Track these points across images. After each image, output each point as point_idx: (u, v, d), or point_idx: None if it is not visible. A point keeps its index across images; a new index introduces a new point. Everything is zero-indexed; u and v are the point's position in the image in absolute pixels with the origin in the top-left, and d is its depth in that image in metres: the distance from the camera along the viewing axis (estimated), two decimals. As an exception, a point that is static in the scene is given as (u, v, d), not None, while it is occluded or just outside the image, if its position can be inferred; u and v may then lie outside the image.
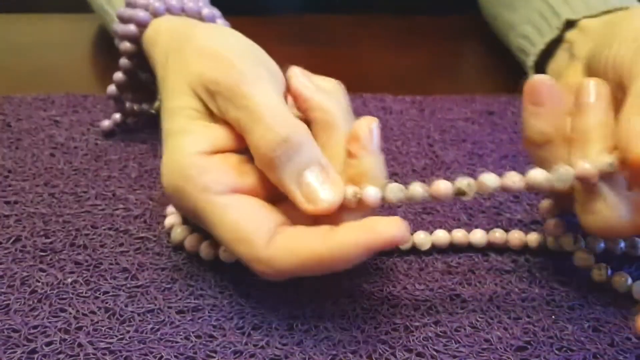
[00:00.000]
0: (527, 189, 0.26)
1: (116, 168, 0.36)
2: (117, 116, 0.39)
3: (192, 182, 0.26)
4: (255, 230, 0.25)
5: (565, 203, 0.29)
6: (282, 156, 0.25)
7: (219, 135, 0.27)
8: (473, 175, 0.36)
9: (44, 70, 0.48)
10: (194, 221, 0.29)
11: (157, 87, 0.39)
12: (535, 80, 0.27)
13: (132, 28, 0.36)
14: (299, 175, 0.26)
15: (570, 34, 0.38)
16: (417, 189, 0.26)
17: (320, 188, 0.26)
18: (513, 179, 0.26)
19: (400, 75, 0.49)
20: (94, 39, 0.53)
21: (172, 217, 0.31)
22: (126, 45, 0.37)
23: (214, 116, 0.28)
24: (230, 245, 0.26)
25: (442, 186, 0.26)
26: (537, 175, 0.26)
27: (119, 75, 0.38)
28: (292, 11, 0.59)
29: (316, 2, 0.61)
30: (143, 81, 0.39)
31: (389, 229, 0.24)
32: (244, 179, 0.27)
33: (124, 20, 0.37)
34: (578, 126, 0.27)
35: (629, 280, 0.29)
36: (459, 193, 0.26)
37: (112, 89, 0.39)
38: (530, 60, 0.41)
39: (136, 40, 0.36)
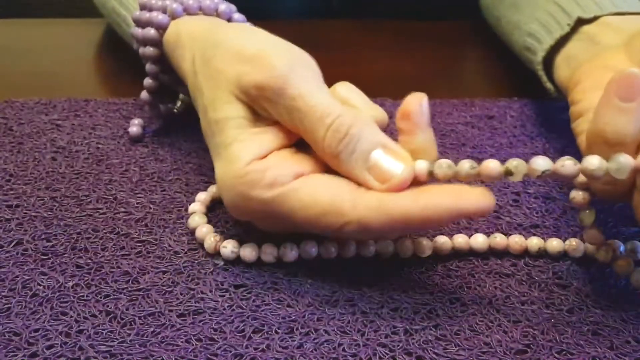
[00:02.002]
0: (581, 175, 0.25)
1: (117, 172, 0.36)
2: (137, 121, 0.40)
3: (256, 185, 0.27)
4: (336, 198, 0.26)
5: (607, 195, 0.27)
6: (345, 150, 0.26)
7: (269, 138, 0.28)
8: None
9: (46, 75, 0.48)
10: (264, 227, 0.29)
11: (178, 87, 0.40)
12: (630, 72, 0.25)
13: (152, 32, 0.36)
14: (365, 161, 0.26)
15: (589, 28, 0.37)
16: (465, 166, 0.26)
17: (390, 165, 0.26)
18: (564, 162, 0.25)
19: (400, 80, 0.49)
20: (96, 44, 0.53)
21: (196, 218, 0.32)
22: (150, 50, 0.37)
23: (261, 118, 0.28)
24: (317, 222, 0.26)
25: (492, 165, 0.25)
26: (593, 161, 0.25)
27: (148, 81, 0.39)
28: (293, 16, 0.60)
29: (317, 8, 0.61)
30: (164, 83, 0.39)
31: (479, 198, 0.25)
32: (303, 164, 0.28)
33: (141, 23, 0.37)
34: None
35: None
36: (507, 173, 0.25)
37: (145, 95, 0.39)
38: (539, 57, 0.40)
39: (157, 43, 0.36)
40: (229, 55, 0.29)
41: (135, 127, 0.39)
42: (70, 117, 0.42)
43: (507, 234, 0.32)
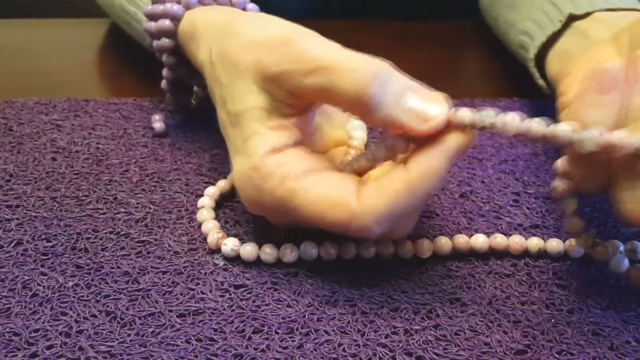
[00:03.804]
0: (561, 163, 0.26)
1: (117, 172, 0.36)
2: (157, 117, 0.40)
3: (270, 178, 0.27)
4: (343, 193, 0.26)
5: (586, 184, 0.28)
6: (377, 92, 0.26)
7: (286, 134, 0.28)
8: (473, 178, 0.37)
9: (46, 75, 0.48)
10: (276, 221, 0.30)
11: (193, 80, 0.39)
12: (604, 68, 0.26)
13: (167, 23, 0.36)
14: (397, 105, 0.26)
15: (581, 23, 0.38)
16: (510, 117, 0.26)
17: (426, 107, 0.26)
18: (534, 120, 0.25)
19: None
20: (96, 44, 0.53)
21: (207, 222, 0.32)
22: (165, 42, 0.37)
23: (282, 108, 0.28)
24: (325, 218, 0.26)
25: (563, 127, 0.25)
26: (562, 127, 0.25)
27: (166, 72, 0.39)
28: (293, 16, 0.60)
29: (316, 8, 0.61)
30: (180, 76, 0.39)
31: (461, 139, 0.26)
32: (315, 162, 0.28)
33: (155, 16, 0.37)
34: (636, 104, 0.25)
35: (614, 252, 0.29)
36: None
37: (164, 84, 0.39)
38: (531, 53, 0.40)
39: (172, 35, 0.36)
40: (247, 44, 0.29)
41: (158, 122, 0.40)
42: (70, 118, 0.42)
43: (507, 235, 0.32)
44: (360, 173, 0.29)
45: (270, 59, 0.27)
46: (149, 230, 0.32)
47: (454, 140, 0.26)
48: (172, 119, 0.42)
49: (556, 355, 0.26)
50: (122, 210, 0.33)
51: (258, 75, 0.28)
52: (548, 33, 0.39)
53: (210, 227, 0.31)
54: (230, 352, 0.26)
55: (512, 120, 0.26)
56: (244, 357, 0.26)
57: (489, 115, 0.26)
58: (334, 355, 0.26)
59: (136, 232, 0.32)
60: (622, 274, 0.29)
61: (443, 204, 0.35)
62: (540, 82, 0.40)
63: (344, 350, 0.26)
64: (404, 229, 0.29)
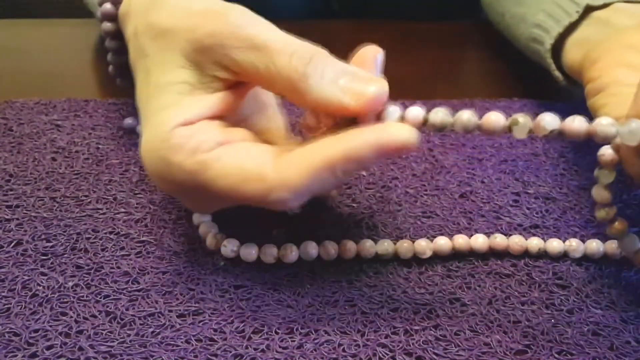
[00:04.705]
0: (588, 137, 0.24)
1: (117, 172, 0.36)
2: (129, 120, 0.40)
3: (180, 150, 0.25)
4: (258, 164, 0.25)
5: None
6: (312, 72, 0.25)
7: (202, 105, 0.27)
8: (473, 178, 0.37)
9: (46, 75, 0.48)
10: (187, 198, 0.28)
11: None
12: None
13: (108, 6, 0.36)
14: (333, 84, 0.25)
15: (600, 13, 0.37)
16: (464, 116, 0.25)
17: (362, 85, 0.25)
18: (575, 119, 0.24)
19: (401, 81, 0.49)
20: (96, 44, 0.53)
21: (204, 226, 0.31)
22: (106, 26, 0.36)
23: (209, 82, 0.27)
24: (239, 191, 0.25)
25: (493, 117, 0.25)
26: (604, 121, 0.24)
27: (110, 57, 0.38)
28: (293, 16, 0.60)
29: (317, 8, 0.61)
30: (126, 60, 0.39)
31: (401, 132, 0.24)
32: (232, 134, 0.26)
33: (102, 1, 0.36)
34: None
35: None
36: (513, 124, 0.25)
37: (111, 70, 0.39)
38: (547, 44, 0.40)
39: (113, 18, 0.35)
40: (181, 11, 0.28)
41: (129, 119, 0.39)
42: (70, 118, 0.42)
43: (507, 235, 0.32)
44: (308, 130, 0.27)
45: (204, 29, 0.26)
46: (148, 231, 0.32)
47: (388, 130, 0.24)
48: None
49: (556, 355, 0.26)
50: (122, 210, 0.33)
51: (189, 44, 0.27)
52: (565, 24, 0.38)
53: (208, 229, 0.31)
54: (230, 352, 0.26)
55: (469, 120, 0.25)
56: (244, 357, 0.26)
57: (441, 115, 0.25)
58: (334, 356, 0.26)
59: (136, 232, 0.32)
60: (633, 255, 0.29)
61: (443, 204, 0.35)
62: (556, 73, 0.40)
63: (343, 350, 0.26)
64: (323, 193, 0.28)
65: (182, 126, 0.26)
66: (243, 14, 0.27)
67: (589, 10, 0.38)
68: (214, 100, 0.27)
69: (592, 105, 0.32)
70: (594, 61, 0.33)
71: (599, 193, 0.27)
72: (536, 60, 0.43)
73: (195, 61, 0.27)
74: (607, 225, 0.28)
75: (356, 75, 0.26)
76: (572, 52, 0.38)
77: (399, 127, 0.25)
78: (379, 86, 0.25)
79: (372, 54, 0.27)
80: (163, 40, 0.28)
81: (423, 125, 0.26)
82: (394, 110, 0.26)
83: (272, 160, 0.25)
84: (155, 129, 0.26)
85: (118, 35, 0.36)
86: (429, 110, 0.26)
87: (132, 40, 0.30)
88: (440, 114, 0.26)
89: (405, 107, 0.26)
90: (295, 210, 0.32)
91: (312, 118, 0.27)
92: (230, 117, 0.28)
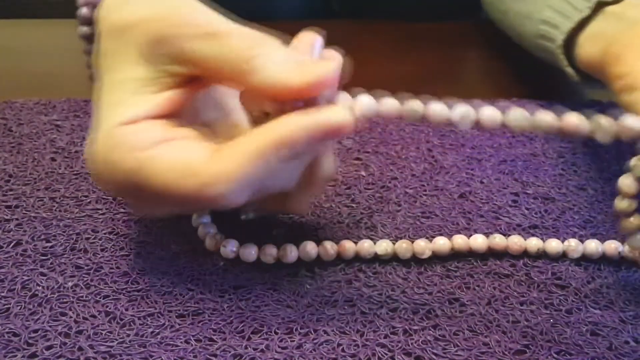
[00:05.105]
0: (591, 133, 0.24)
1: (117, 172, 0.36)
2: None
3: (118, 148, 0.25)
4: (192, 159, 0.24)
5: None
6: (263, 51, 0.25)
7: (153, 103, 0.26)
8: (472, 179, 0.37)
9: (45, 76, 0.48)
10: (130, 199, 0.28)
11: None
12: None
13: (84, 11, 0.36)
14: (281, 64, 0.25)
15: (612, 7, 0.37)
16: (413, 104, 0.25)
17: (307, 66, 0.25)
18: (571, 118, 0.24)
19: (400, 81, 0.49)
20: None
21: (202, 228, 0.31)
22: (82, 30, 0.37)
23: (162, 77, 0.26)
24: (174, 190, 0.24)
25: (437, 107, 0.25)
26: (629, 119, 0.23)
27: (87, 61, 0.38)
28: (293, 17, 0.60)
29: (317, 8, 0.61)
30: None
31: (335, 115, 0.24)
32: (174, 132, 0.26)
33: (80, 4, 0.37)
34: None
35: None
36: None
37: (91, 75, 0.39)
38: (559, 40, 0.39)
39: (89, 22, 0.35)
40: (138, 7, 0.27)
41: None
42: (70, 118, 0.42)
43: (506, 235, 0.32)
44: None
45: (157, 21, 0.26)
46: (148, 231, 0.32)
47: (321, 113, 0.24)
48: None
49: (555, 355, 0.26)
50: (122, 210, 0.33)
51: (144, 37, 0.26)
52: (576, 19, 0.38)
53: (207, 230, 0.31)
54: (230, 352, 0.26)
55: (437, 110, 0.25)
56: (243, 357, 0.26)
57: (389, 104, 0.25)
58: (333, 356, 0.26)
59: (135, 233, 0.32)
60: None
61: (442, 204, 0.35)
62: (569, 69, 0.40)
63: (343, 350, 0.26)
64: (277, 202, 0.28)
65: (124, 125, 0.25)
66: (194, 6, 0.27)
67: (600, 5, 0.37)
68: (161, 99, 0.26)
69: (628, 102, 0.31)
70: (616, 57, 0.33)
71: (628, 184, 0.27)
72: (545, 57, 0.42)
73: (149, 55, 0.26)
74: (622, 218, 0.28)
75: (305, 58, 0.26)
76: (587, 47, 0.37)
77: (333, 109, 0.25)
78: (326, 67, 0.25)
79: (310, 40, 0.27)
80: (121, 37, 0.27)
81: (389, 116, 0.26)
82: (344, 97, 0.26)
83: (208, 155, 0.25)
84: (101, 128, 0.26)
85: (94, 38, 0.36)
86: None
87: (95, 43, 0.30)
88: (391, 104, 0.25)
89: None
90: (248, 215, 0.32)
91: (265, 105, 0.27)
92: (189, 120, 0.27)
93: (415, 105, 0.25)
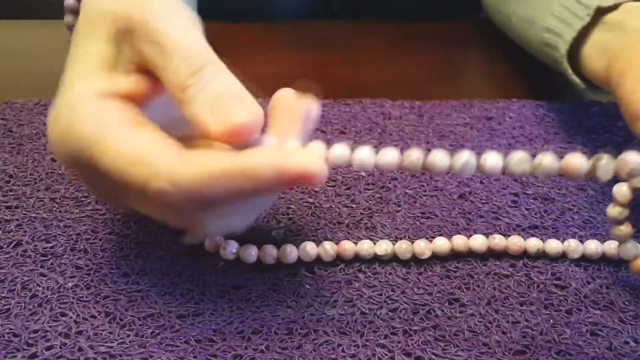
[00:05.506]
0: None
1: (117, 173, 0.36)
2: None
3: (85, 118, 0.24)
4: (156, 151, 0.24)
5: None
6: (198, 81, 0.24)
7: (121, 81, 0.26)
8: (472, 179, 0.37)
9: (46, 76, 0.48)
10: (83, 176, 0.27)
11: None
12: None
13: (71, 2, 0.36)
14: (208, 101, 0.24)
15: (612, 16, 0.37)
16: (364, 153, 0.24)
17: (236, 110, 0.24)
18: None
19: (399, 81, 0.49)
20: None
21: None
22: (68, 19, 0.36)
23: (125, 65, 0.26)
24: (125, 173, 0.24)
25: (438, 157, 0.24)
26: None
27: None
28: (293, 17, 0.60)
29: (316, 9, 0.61)
30: None
31: (305, 160, 0.23)
32: (143, 122, 0.25)
33: None
34: None
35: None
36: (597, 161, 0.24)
37: None
38: (562, 50, 0.39)
39: (76, 12, 0.35)
40: None
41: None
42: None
43: (506, 235, 0.32)
44: None
45: (124, 14, 0.26)
46: (148, 231, 0.32)
47: (293, 154, 0.23)
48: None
49: (555, 355, 0.26)
50: (121, 211, 0.33)
51: (112, 25, 0.26)
52: (577, 28, 0.38)
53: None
54: (230, 352, 0.26)
55: (438, 160, 0.24)
56: (243, 358, 0.26)
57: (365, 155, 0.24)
58: (333, 356, 0.26)
59: (135, 233, 0.32)
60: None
61: (442, 204, 0.35)
62: (573, 77, 0.39)
63: (343, 351, 0.26)
64: (227, 223, 0.27)
65: (95, 96, 0.25)
66: (163, 7, 0.26)
67: (599, 12, 0.37)
68: (130, 81, 0.26)
69: (636, 131, 0.31)
70: (621, 73, 0.32)
71: (622, 192, 0.27)
72: (550, 64, 0.42)
73: (117, 42, 0.26)
74: (613, 225, 0.28)
75: (235, 97, 0.24)
76: (593, 59, 0.37)
77: (306, 153, 0.24)
78: (250, 115, 0.24)
79: (303, 109, 0.26)
80: (95, 21, 0.27)
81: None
82: (318, 146, 0.25)
83: (173, 152, 0.24)
84: (66, 98, 0.25)
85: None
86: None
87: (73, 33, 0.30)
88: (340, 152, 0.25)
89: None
90: (279, 232, 0.32)
91: None
92: (152, 115, 0.27)
93: (414, 156, 0.25)
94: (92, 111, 0.25)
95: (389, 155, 0.25)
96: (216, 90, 0.24)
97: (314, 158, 0.23)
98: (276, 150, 0.24)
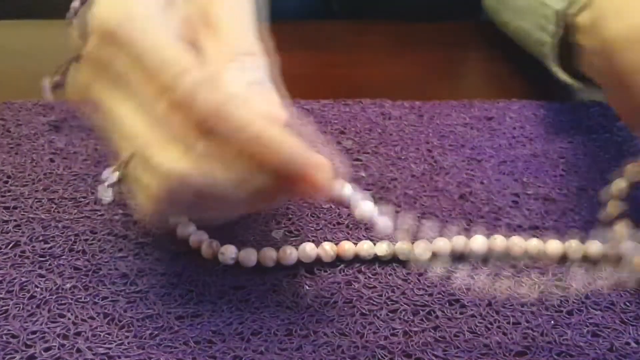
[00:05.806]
0: None
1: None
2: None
3: (136, 5, 0.25)
4: (181, 49, 0.24)
5: None
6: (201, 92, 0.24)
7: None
8: (472, 179, 0.37)
9: (45, 77, 0.48)
10: (102, 46, 0.26)
11: None
12: None
13: (76, 4, 0.36)
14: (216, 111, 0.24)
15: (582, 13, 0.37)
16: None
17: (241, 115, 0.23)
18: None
19: (399, 81, 0.49)
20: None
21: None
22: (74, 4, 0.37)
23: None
24: (160, 53, 0.24)
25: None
26: None
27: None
28: (292, 17, 0.60)
29: (316, 9, 0.61)
30: None
31: (322, 168, 0.24)
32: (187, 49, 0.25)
33: None
34: None
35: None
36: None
37: None
38: (550, 56, 0.40)
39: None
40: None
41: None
42: (69, 119, 0.42)
43: (506, 236, 0.32)
44: None
45: (110, 26, 0.25)
46: (147, 232, 0.32)
47: (318, 166, 0.24)
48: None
49: (555, 356, 0.26)
50: (120, 211, 0.33)
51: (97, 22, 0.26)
52: (555, 41, 0.38)
53: (199, 238, 0.30)
54: (229, 354, 0.26)
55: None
56: (243, 359, 0.26)
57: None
58: (333, 357, 0.26)
59: (134, 234, 0.32)
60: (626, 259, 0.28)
61: (442, 205, 0.35)
62: (562, 76, 0.39)
63: (342, 352, 0.26)
64: (194, 211, 0.27)
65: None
66: (152, 18, 0.25)
67: (573, 15, 0.37)
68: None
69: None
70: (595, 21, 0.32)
71: (619, 186, 0.27)
72: (555, 76, 0.43)
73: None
74: (609, 223, 0.28)
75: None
76: (584, 46, 0.36)
77: (324, 164, 0.24)
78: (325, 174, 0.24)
79: (333, 185, 0.25)
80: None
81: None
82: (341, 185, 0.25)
83: (187, 55, 0.24)
84: None
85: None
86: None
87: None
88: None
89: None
90: (278, 232, 0.32)
91: None
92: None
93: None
94: (154, 13, 0.25)
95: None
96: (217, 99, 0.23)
97: (328, 173, 0.24)
98: (306, 149, 0.24)
